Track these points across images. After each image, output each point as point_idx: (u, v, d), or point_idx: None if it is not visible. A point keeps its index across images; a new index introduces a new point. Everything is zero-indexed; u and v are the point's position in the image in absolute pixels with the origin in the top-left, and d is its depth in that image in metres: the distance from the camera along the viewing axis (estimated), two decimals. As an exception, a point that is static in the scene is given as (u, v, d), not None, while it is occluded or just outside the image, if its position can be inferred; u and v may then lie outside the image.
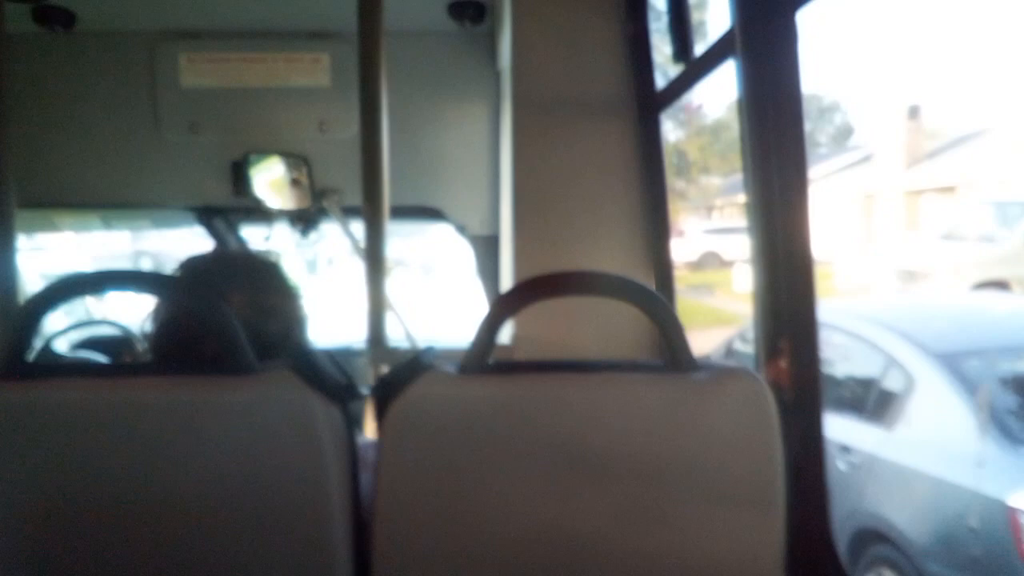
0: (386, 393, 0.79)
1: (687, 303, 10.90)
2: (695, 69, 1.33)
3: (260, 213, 2.07)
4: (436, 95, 1.97)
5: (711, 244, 17.32)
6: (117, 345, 2.21)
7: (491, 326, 0.80)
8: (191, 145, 1.96)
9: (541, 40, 1.49)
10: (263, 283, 1.00)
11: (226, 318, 0.78)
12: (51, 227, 2.13)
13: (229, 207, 2.05)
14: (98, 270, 0.84)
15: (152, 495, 0.77)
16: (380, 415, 0.80)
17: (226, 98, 1.95)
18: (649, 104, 1.52)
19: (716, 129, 20.98)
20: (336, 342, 2.36)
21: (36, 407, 0.77)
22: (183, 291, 0.87)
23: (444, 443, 0.78)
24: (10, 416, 0.76)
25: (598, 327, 1.44)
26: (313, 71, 1.98)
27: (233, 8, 1.84)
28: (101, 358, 2.13)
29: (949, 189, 14.49)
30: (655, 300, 0.82)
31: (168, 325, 0.94)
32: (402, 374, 0.80)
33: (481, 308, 2.25)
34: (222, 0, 1.81)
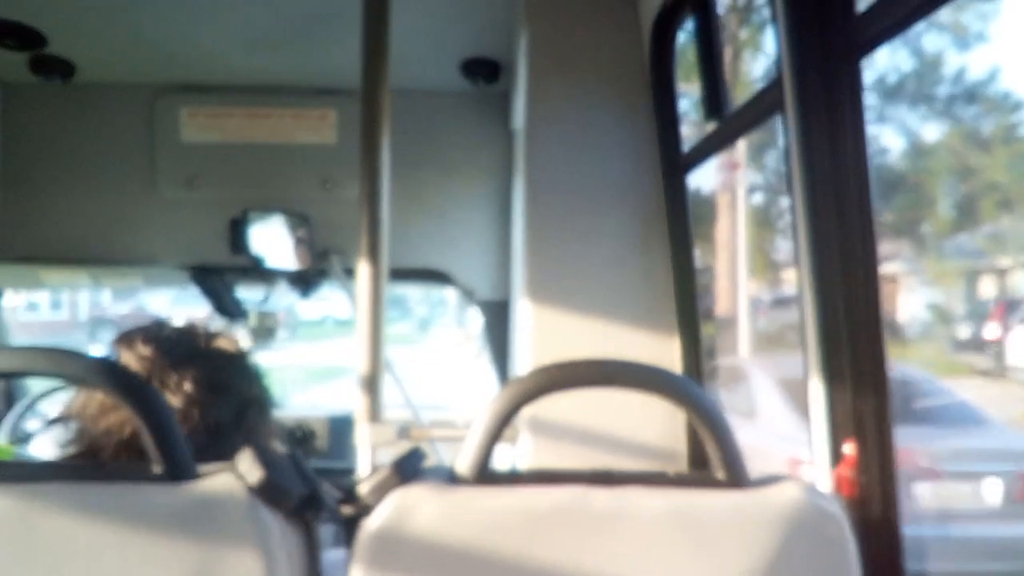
0: (356, 508, 0.63)
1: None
2: (730, 127, 1.20)
3: (258, 273, 1.97)
4: (447, 154, 1.91)
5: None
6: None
7: (494, 425, 0.64)
8: (188, 201, 1.88)
9: (558, 99, 1.40)
10: (215, 357, 0.86)
11: (159, 407, 0.63)
12: (37, 284, 2.01)
13: (226, 266, 1.94)
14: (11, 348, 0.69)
15: None
16: (348, 535, 0.64)
17: (227, 153, 1.88)
18: (675, 166, 1.40)
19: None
20: (336, 411, 2.22)
21: None
22: (108, 375, 0.71)
23: (429, 574, 0.62)
24: None
25: (621, 413, 1.27)
26: (319, 128, 1.91)
27: (238, 62, 1.77)
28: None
29: None
30: (700, 401, 0.66)
31: (92, 417, 0.79)
32: (378, 484, 0.64)
33: (488, 377, 2.10)
34: (227, 54, 1.74)
